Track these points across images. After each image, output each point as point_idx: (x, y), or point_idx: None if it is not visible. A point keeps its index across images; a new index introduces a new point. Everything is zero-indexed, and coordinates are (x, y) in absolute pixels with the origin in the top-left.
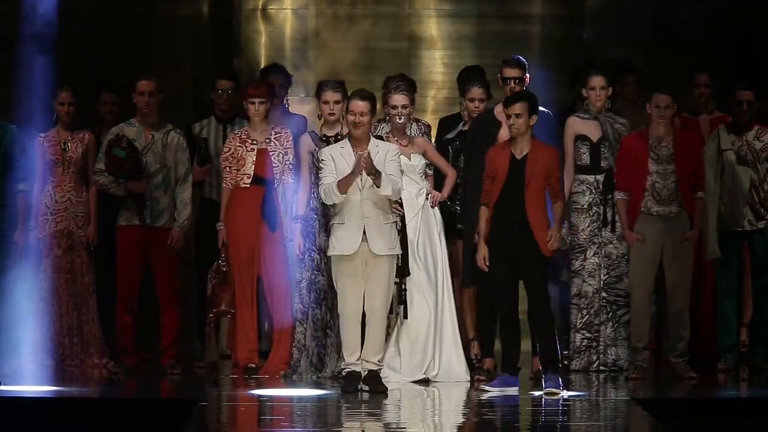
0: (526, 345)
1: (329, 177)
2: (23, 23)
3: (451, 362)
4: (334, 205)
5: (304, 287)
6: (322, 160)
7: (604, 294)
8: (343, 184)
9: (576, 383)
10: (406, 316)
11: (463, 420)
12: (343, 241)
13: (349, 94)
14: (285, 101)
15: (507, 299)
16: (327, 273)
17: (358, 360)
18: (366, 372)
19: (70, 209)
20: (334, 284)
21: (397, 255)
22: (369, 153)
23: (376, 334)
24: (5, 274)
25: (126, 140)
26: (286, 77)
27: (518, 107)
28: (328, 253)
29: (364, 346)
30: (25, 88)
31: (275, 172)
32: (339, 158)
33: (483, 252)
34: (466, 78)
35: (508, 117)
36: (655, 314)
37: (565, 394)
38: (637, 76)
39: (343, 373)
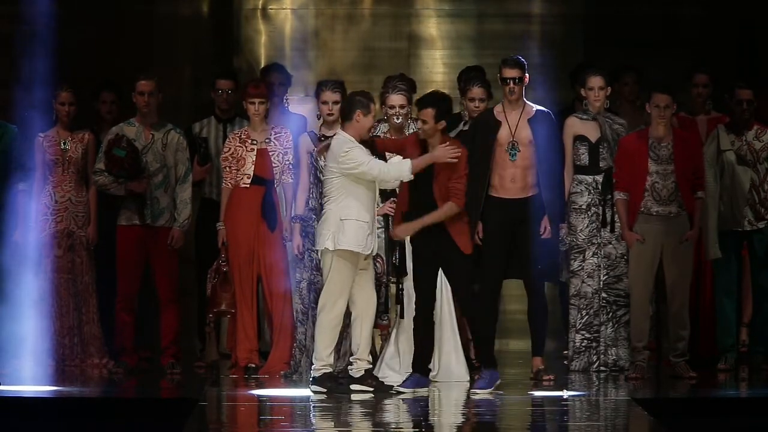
0: (525, 344)
1: (377, 160)
2: (23, 23)
3: (451, 362)
4: (344, 201)
5: (305, 288)
6: (356, 147)
7: (603, 294)
8: (418, 166)
9: (576, 383)
10: (403, 316)
11: (463, 420)
12: (363, 240)
13: (349, 94)
14: (285, 100)
15: (423, 299)
16: None
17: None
18: (363, 372)
19: (70, 209)
20: (331, 281)
21: (395, 254)
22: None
23: (370, 333)
24: (5, 274)
25: (126, 140)
26: (286, 77)
27: (424, 114)
28: (341, 248)
29: (362, 346)
30: (25, 88)
31: (275, 172)
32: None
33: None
34: (466, 78)
35: (416, 120)
36: (655, 314)
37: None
38: (636, 75)
39: (317, 375)
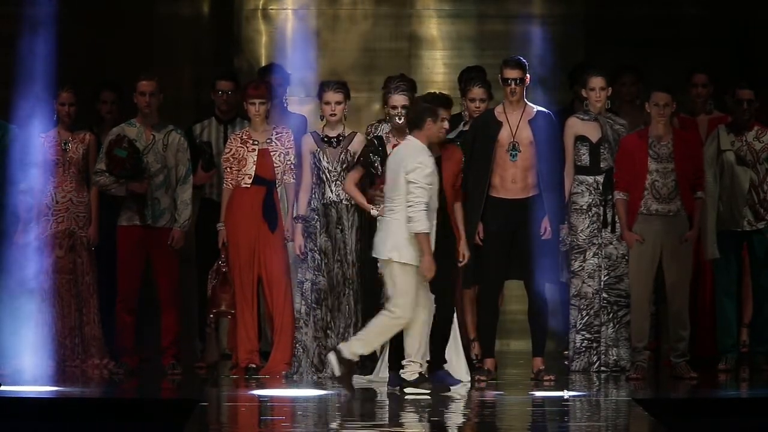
0: (526, 344)
1: (425, 205)
2: (23, 23)
3: (452, 362)
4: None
5: (307, 288)
6: (432, 173)
7: (604, 295)
8: (423, 242)
9: (577, 383)
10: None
11: (463, 420)
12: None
13: (415, 100)
14: (284, 100)
15: (443, 298)
16: (328, 274)
17: None
18: (417, 375)
19: (71, 209)
20: (405, 294)
21: None
22: None
23: (427, 337)
24: (5, 274)
25: (127, 140)
26: (285, 76)
27: (446, 113)
28: (407, 262)
29: (416, 349)
30: (25, 88)
31: (277, 172)
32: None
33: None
34: (467, 78)
35: (442, 119)
36: (654, 314)
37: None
38: (634, 75)
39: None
